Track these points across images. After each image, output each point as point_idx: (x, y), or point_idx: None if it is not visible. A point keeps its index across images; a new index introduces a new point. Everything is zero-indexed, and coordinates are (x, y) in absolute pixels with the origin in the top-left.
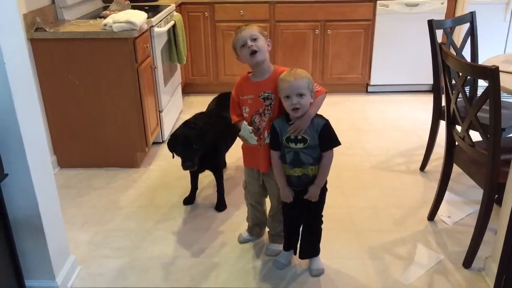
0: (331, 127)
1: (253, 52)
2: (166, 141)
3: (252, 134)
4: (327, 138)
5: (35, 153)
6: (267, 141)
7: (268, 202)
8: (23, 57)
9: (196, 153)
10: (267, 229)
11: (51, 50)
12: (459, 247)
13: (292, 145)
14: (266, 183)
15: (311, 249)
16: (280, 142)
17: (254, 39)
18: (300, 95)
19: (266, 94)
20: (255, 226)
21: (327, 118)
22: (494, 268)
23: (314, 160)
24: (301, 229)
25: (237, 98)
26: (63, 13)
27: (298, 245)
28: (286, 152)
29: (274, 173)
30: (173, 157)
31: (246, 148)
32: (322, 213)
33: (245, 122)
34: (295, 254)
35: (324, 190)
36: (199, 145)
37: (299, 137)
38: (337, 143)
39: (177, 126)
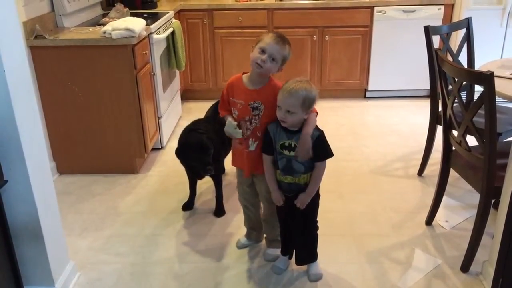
0: (325, 138)
1: (259, 66)
2: (176, 151)
3: (237, 129)
4: (320, 149)
5: (34, 160)
6: (252, 148)
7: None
8: (23, 64)
9: (210, 157)
10: (264, 234)
11: (50, 57)
12: (456, 251)
13: (286, 152)
14: (256, 185)
15: (307, 255)
16: (273, 147)
17: (272, 59)
18: (289, 111)
19: (256, 104)
20: (252, 230)
21: (324, 127)
22: (491, 272)
23: (306, 169)
24: (296, 236)
25: (227, 97)
26: (62, 20)
27: (294, 251)
28: (279, 158)
29: (265, 177)
30: (185, 165)
31: (235, 150)
32: (317, 219)
33: (229, 118)
34: (290, 258)
35: (316, 196)
36: (212, 148)
37: (293, 145)
38: (329, 154)
39: (176, 132)
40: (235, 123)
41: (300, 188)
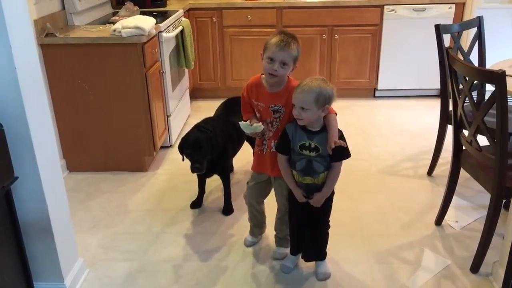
0: (344, 139)
1: (273, 76)
2: (178, 144)
3: (253, 125)
4: (338, 150)
5: (44, 157)
6: (274, 149)
7: (266, 203)
8: (33, 62)
9: (204, 157)
10: (274, 232)
11: (61, 55)
12: (466, 252)
13: (306, 152)
14: (274, 184)
15: (315, 252)
16: (289, 147)
17: (283, 64)
18: (303, 108)
19: (277, 107)
20: (255, 227)
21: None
22: (501, 273)
23: (325, 168)
24: (307, 232)
25: (249, 98)
26: (73, 19)
27: (304, 248)
28: (297, 160)
29: (283, 176)
30: (183, 159)
31: (255, 154)
32: (329, 218)
33: (241, 122)
34: (303, 257)
35: (331, 195)
36: (208, 149)
37: (313, 146)
38: (347, 155)
39: (185, 130)
40: (247, 121)
41: (318, 188)
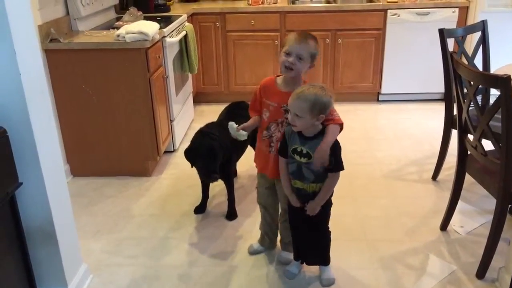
0: (339, 151)
1: (288, 67)
2: (185, 151)
3: (239, 132)
4: (333, 161)
5: (48, 162)
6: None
7: None
8: (38, 68)
9: (217, 164)
10: (279, 237)
11: (65, 61)
12: (472, 258)
13: (297, 157)
14: (276, 185)
15: (318, 257)
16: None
17: (299, 59)
18: (297, 115)
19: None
20: (266, 235)
21: (339, 141)
22: (507, 278)
23: (316, 178)
24: (307, 236)
25: (260, 97)
26: (77, 24)
27: (306, 253)
28: (290, 162)
29: (281, 180)
30: (192, 166)
31: (257, 152)
32: (329, 225)
33: (231, 122)
34: (302, 263)
35: (328, 203)
36: (221, 155)
37: (304, 151)
38: (339, 168)
39: (188, 135)
40: (236, 125)
41: (308, 195)
